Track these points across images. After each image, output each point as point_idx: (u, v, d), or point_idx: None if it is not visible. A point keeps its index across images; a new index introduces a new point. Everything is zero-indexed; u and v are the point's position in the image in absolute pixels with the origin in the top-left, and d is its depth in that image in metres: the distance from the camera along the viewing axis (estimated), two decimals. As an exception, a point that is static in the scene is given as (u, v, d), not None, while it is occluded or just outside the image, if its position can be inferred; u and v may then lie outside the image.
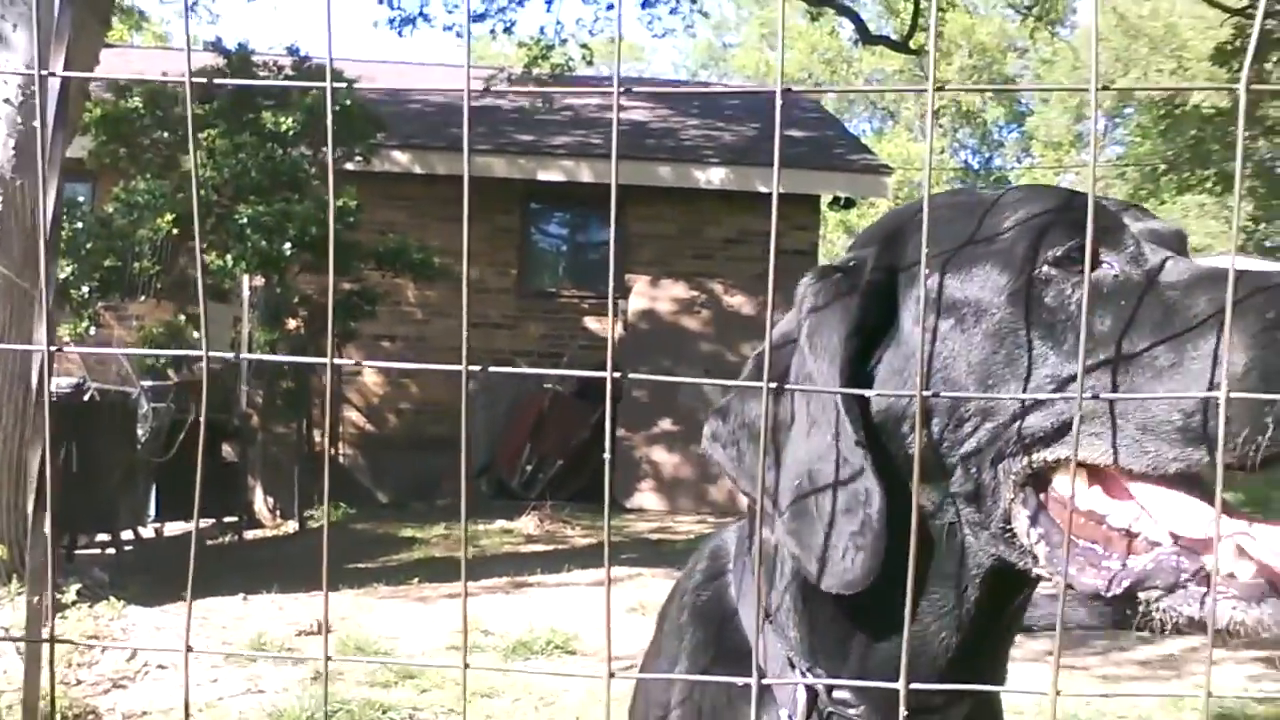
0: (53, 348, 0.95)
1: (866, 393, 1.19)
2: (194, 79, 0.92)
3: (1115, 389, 1.12)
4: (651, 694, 1.55)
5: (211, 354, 0.93)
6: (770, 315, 1.09)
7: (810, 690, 1.33)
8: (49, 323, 0.96)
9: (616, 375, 0.94)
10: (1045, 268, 1.19)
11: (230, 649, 5.69)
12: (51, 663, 1.01)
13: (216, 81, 9.94)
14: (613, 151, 0.92)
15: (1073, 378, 1.14)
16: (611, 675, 0.98)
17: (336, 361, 0.93)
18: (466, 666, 0.93)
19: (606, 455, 0.97)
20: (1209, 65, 22.08)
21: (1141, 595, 1.13)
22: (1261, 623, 1.09)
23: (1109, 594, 1.15)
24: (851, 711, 1.32)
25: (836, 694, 1.33)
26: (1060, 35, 30.99)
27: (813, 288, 1.31)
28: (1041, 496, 1.19)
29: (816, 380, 1.23)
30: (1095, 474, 1.17)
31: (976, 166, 41.17)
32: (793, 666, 1.35)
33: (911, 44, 17.37)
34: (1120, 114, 32.74)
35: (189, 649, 0.95)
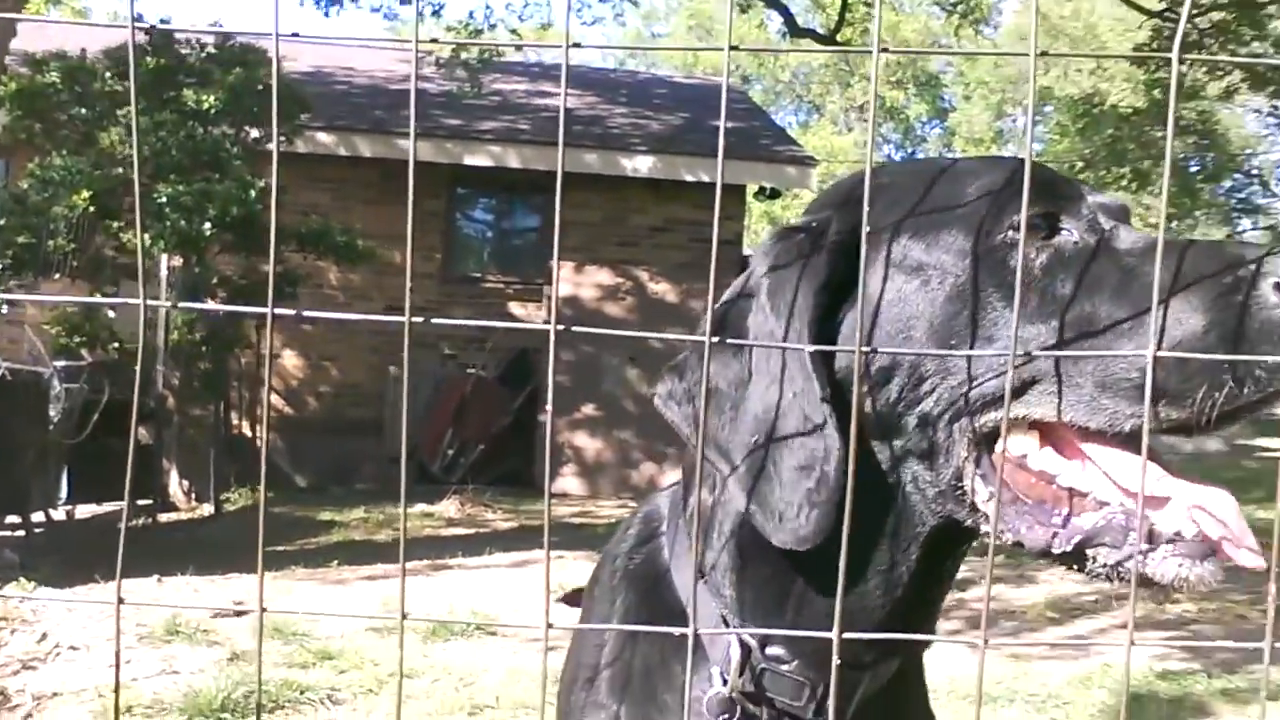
0: None
1: (809, 348, 1.20)
2: (137, 28, 0.91)
3: (1077, 350, 1.17)
4: (582, 657, 1.54)
5: (150, 302, 0.92)
6: (712, 290, 1.11)
7: (743, 646, 1.33)
8: None
9: (560, 329, 0.96)
10: (1010, 233, 1.22)
11: (145, 632, 5.62)
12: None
13: (166, 29, 9.75)
14: (562, 95, 0.93)
15: (1034, 339, 1.18)
16: (550, 626, 0.99)
17: (276, 311, 0.93)
18: (405, 617, 0.94)
19: (548, 409, 0.99)
20: (1128, 66, 22.57)
21: (1089, 552, 1.18)
22: (1203, 579, 1.14)
23: (1056, 550, 1.19)
24: (784, 667, 1.33)
25: (769, 649, 1.34)
26: (984, 34, 31.44)
27: (775, 247, 1.32)
28: (993, 456, 1.22)
29: (777, 337, 1.25)
30: (1048, 434, 1.22)
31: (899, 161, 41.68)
32: (726, 624, 1.35)
33: (838, 37, 17.52)
34: (1040, 112, 33.28)
35: (121, 601, 0.95)
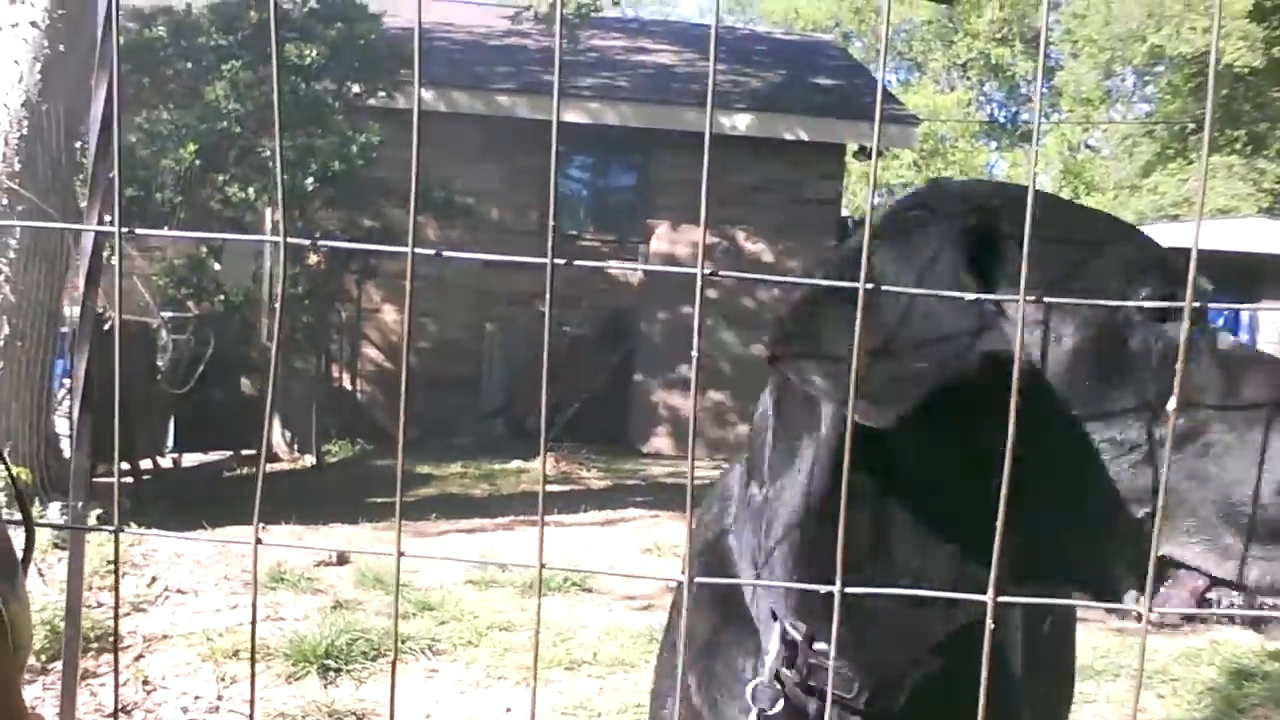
0: (124, 229, 0.91)
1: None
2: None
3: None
4: (671, 619, 1.60)
5: (290, 240, 0.89)
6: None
7: (792, 641, 1.32)
8: (119, 204, 0.92)
9: (708, 272, 0.91)
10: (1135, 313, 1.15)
11: (250, 578, 5.72)
12: (116, 553, 0.99)
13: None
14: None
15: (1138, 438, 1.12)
16: (543, 566, 0.96)
17: (417, 250, 0.89)
18: (543, 566, 0.91)
19: (694, 350, 0.94)
20: (1245, 23, 21.77)
21: None
22: None
23: None
24: (830, 663, 1.30)
25: (816, 644, 1.32)
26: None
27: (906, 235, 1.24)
28: None
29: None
30: None
31: (1003, 120, 40.77)
32: (775, 618, 1.34)
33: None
34: (1150, 71, 32.29)
35: (258, 541, 0.93)
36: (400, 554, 0.90)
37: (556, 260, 0.88)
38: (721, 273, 0.95)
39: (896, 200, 1.30)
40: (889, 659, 1.31)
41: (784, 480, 1.30)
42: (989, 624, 0.90)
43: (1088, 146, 37.36)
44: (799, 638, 1.31)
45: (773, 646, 1.32)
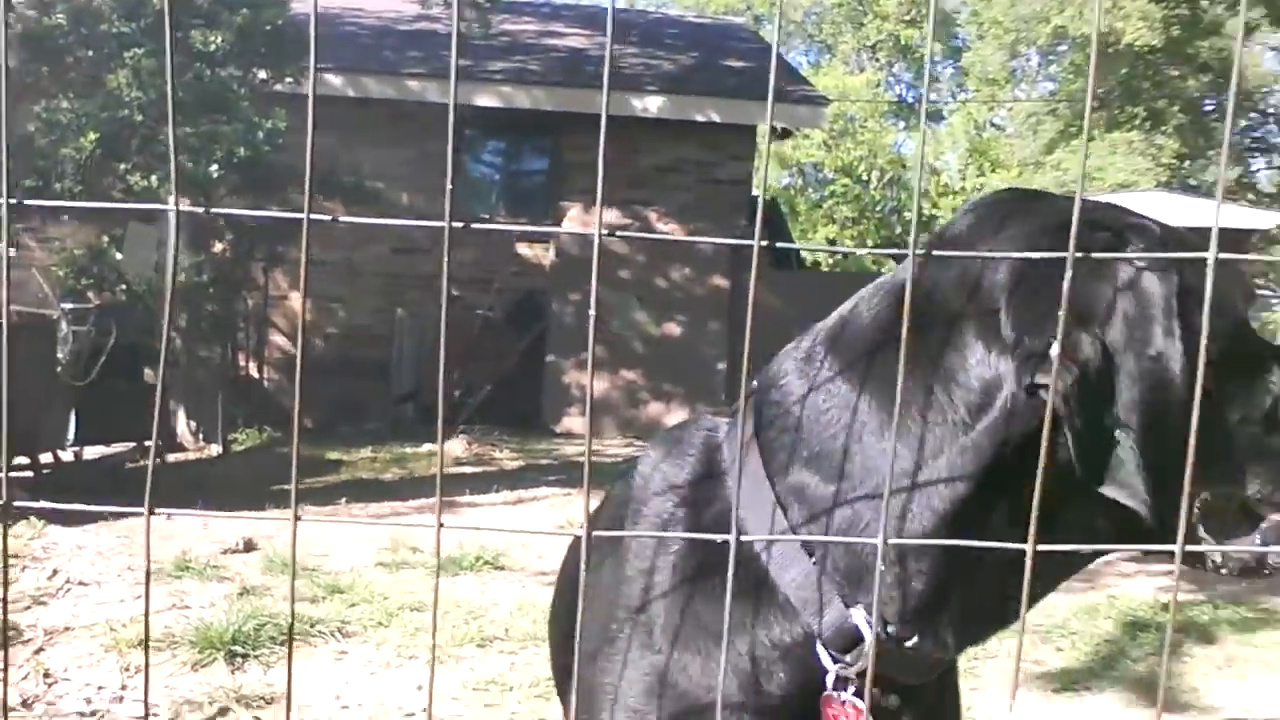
0: (12, 200, 0.90)
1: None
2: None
3: None
4: (618, 596, 1.38)
5: (182, 209, 0.90)
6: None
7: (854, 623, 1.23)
8: (5, 176, 0.91)
9: (605, 233, 0.94)
10: None
11: (155, 568, 5.65)
12: (4, 534, 0.99)
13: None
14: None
15: None
16: (441, 526, 0.97)
17: (313, 216, 0.90)
18: (441, 526, 0.93)
19: (590, 313, 0.96)
20: (1145, 3, 22.26)
21: None
22: None
23: None
24: (907, 644, 1.24)
25: (891, 628, 1.24)
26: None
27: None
28: None
29: None
30: None
31: (911, 100, 41.24)
32: (845, 605, 1.23)
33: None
34: (1054, 51, 32.85)
35: (151, 512, 0.94)
36: (296, 518, 0.92)
37: (454, 224, 0.90)
38: (619, 233, 0.99)
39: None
40: (973, 636, 1.29)
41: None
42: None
43: (993, 125, 37.94)
44: (864, 620, 1.22)
45: (867, 634, 1.21)
